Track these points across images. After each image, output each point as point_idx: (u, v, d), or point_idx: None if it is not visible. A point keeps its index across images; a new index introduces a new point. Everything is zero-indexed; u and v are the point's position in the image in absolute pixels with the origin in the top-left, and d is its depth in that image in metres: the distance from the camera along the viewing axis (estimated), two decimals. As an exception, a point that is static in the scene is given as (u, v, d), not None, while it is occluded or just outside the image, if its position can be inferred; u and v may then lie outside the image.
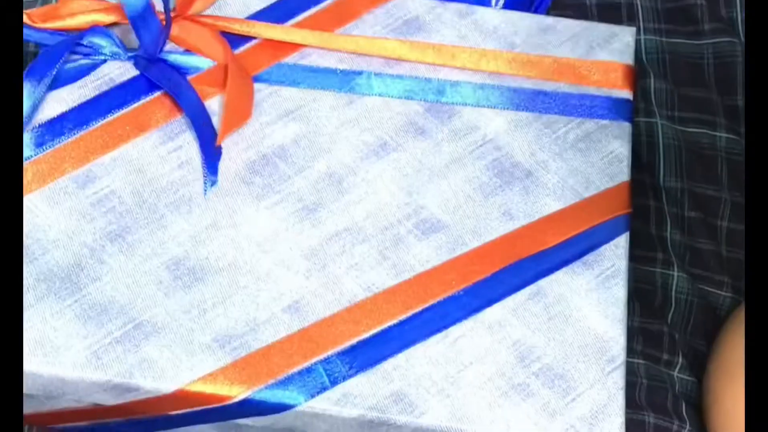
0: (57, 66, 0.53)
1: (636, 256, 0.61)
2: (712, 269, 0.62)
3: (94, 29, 0.55)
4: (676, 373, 0.58)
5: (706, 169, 0.64)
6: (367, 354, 0.48)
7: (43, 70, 0.53)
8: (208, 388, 0.47)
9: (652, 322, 0.59)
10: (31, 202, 0.51)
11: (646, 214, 0.62)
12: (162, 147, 0.53)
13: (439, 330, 0.49)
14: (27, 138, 0.53)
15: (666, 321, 0.59)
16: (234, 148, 0.53)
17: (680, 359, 0.58)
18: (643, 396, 0.57)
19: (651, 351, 0.58)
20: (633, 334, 0.58)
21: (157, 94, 0.54)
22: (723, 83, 0.67)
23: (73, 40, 0.54)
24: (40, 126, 0.53)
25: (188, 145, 0.53)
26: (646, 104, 0.65)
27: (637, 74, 0.63)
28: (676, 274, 0.60)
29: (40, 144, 0.53)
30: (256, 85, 0.55)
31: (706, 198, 0.63)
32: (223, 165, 0.53)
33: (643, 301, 0.60)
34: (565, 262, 0.51)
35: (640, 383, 0.57)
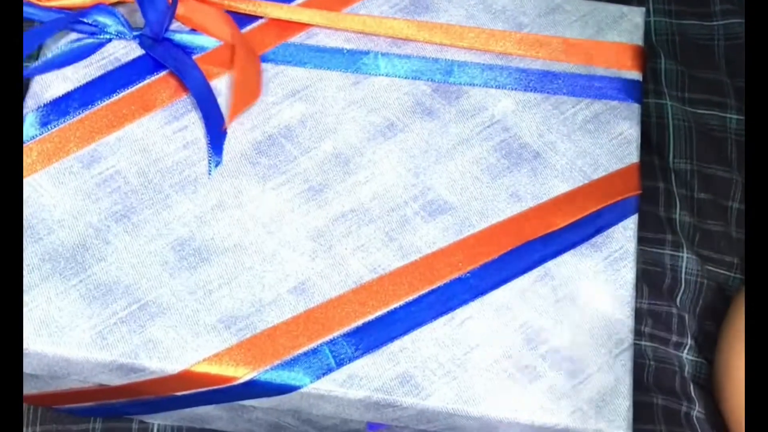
0: (45, 42, 0.53)
1: (645, 238, 0.60)
2: (722, 250, 0.61)
3: (99, 7, 0.54)
4: (684, 355, 0.58)
5: (716, 151, 0.63)
6: (373, 335, 0.48)
7: (30, 44, 0.52)
8: (214, 369, 0.47)
9: (660, 304, 0.59)
10: (36, 182, 0.51)
11: (655, 195, 0.61)
12: (167, 127, 0.53)
13: (445, 312, 0.49)
14: (32, 117, 0.52)
15: (675, 302, 0.59)
16: (240, 128, 0.53)
17: (689, 341, 0.58)
18: (651, 378, 0.56)
19: (660, 333, 0.58)
20: (642, 316, 0.58)
21: (163, 73, 0.54)
22: (733, 65, 0.66)
23: (74, 17, 0.54)
24: (45, 105, 0.53)
25: (193, 125, 0.53)
26: (656, 85, 0.64)
27: (647, 55, 0.62)
28: (685, 255, 0.60)
29: (45, 123, 0.52)
30: (263, 65, 0.55)
31: (717, 179, 0.63)
32: (229, 145, 0.52)
33: (652, 283, 0.59)
34: (573, 245, 0.51)
35: (649, 365, 0.57)
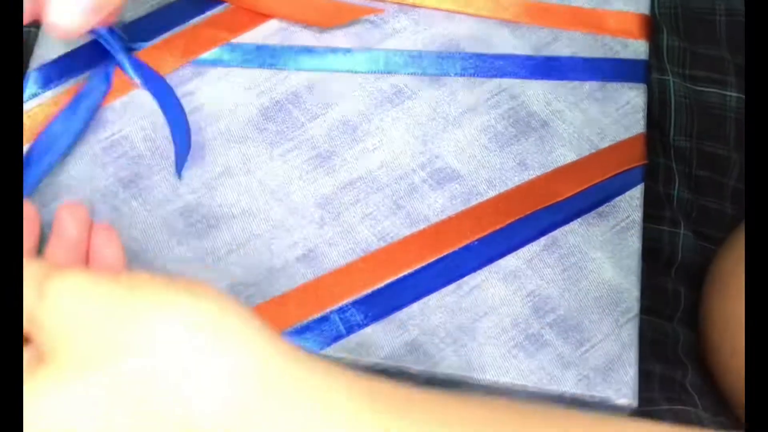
0: None
1: (645, 214, 0.60)
2: (716, 228, 0.62)
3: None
4: (679, 327, 0.58)
5: (715, 129, 0.63)
6: (382, 303, 0.48)
7: None
8: (223, 336, 0.46)
9: (657, 279, 0.59)
10: (42, 147, 0.50)
11: (655, 171, 0.61)
12: (174, 92, 0.52)
13: (453, 280, 0.49)
14: (34, 77, 0.52)
15: (671, 277, 0.59)
16: (247, 94, 0.52)
17: (683, 314, 0.59)
18: (648, 347, 0.57)
19: (656, 307, 0.58)
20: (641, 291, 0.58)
21: (168, 35, 0.54)
22: (734, 41, 0.66)
23: None
24: (47, 65, 0.52)
25: (200, 90, 0.52)
26: (658, 61, 0.64)
27: (653, 25, 0.62)
28: (682, 232, 0.60)
29: (47, 84, 0.52)
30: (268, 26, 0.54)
31: (715, 157, 0.63)
32: (236, 111, 0.52)
33: (651, 258, 0.60)
34: (580, 213, 0.51)
35: (646, 336, 0.57)
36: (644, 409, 0.54)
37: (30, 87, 0.52)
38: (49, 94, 0.52)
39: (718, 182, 0.62)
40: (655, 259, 0.60)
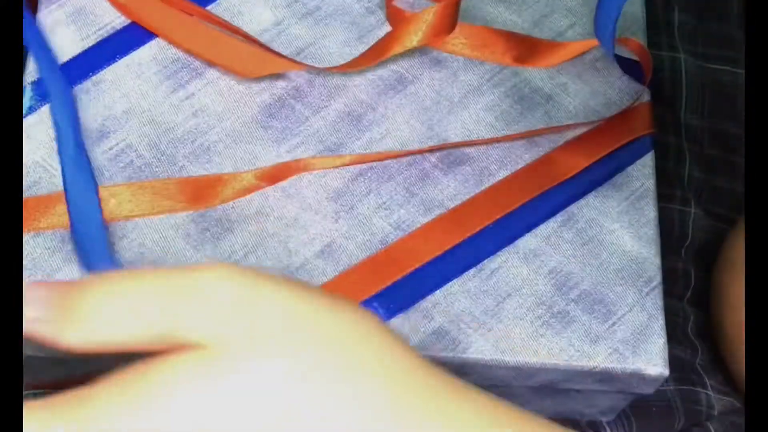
0: None
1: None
2: (728, 207, 0.61)
3: None
4: (688, 306, 0.58)
5: (727, 107, 0.63)
6: (405, 293, 0.47)
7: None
8: (249, 340, 0.46)
9: (668, 258, 0.59)
10: (47, 162, 0.49)
11: (666, 150, 0.61)
12: (174, 95, 0.51)
13: (474, 264, 0.48)
14: (30, 91, 0.51)
15: (681, 257, 0.59)
16: (247, 92, 0.52)
17: (693, 293, 0.58)
18: None
19: (667, 286, 0.58)
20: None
21: (159, 38, 0.53)
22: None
23: None
24: (42, 78, 0.51)
25: (200, 92, 0.52)
26: (669, 38, 0.63)
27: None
28: (693, 211, 0.60)
29: (44, 97, 0.51)
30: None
31: (727, 136, 0.62)
32: (239, 110, 0.51)
33: (661, 237, 0.59)
34: (594, 186, 0.51)
35: None
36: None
37: (27, 102, 0.50)
38: (45, 108, 0.51)
39: (729, 161, 0.62)
40: (665, 238, 0.59)
